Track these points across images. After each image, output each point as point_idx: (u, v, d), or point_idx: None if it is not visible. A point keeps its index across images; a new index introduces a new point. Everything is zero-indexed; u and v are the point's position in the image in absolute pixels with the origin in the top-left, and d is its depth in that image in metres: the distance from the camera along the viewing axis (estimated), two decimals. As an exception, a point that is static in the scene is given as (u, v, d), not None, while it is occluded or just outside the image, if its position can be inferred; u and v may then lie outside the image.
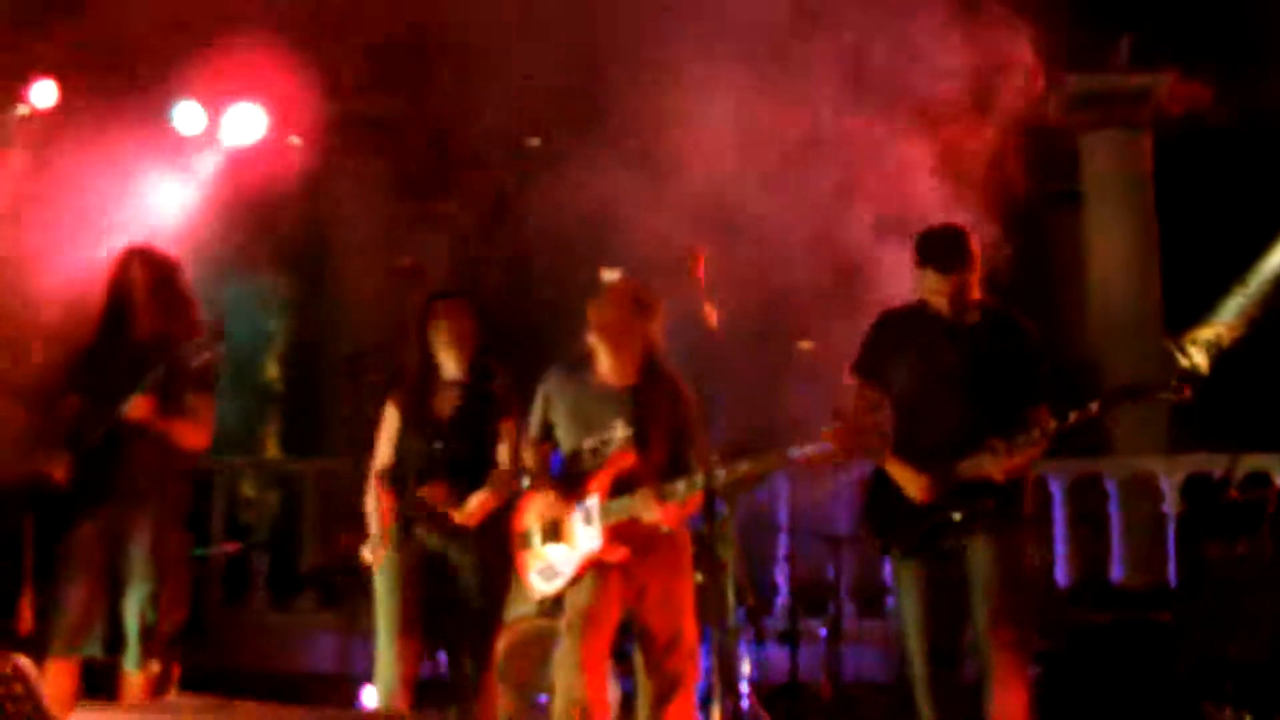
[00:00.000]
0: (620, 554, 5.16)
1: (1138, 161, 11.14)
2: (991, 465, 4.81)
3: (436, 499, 5.32)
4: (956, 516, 4.87)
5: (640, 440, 5.19)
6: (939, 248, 5.02)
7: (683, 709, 5.25)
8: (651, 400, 5.25)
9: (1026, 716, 4.82)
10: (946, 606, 4.94)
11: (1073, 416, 4.78)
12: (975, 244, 5.05)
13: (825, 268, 6.50)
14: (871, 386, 5.18)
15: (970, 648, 4.96)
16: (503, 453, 5.45)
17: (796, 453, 4.93)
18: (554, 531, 5.30)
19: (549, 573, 5.31)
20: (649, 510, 5.09)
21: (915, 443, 5.00)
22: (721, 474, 4.99)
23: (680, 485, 5.08)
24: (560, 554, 5.27)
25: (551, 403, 5.43)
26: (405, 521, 5.35)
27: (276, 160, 8.44)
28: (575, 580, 5.24)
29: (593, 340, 5.32)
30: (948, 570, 4.95)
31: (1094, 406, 4.77)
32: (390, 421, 5.56)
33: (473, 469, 5.40)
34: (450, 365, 5.50)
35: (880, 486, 5.12)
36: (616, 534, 5.17)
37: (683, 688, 5.25)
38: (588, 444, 5.29)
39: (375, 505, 5.48)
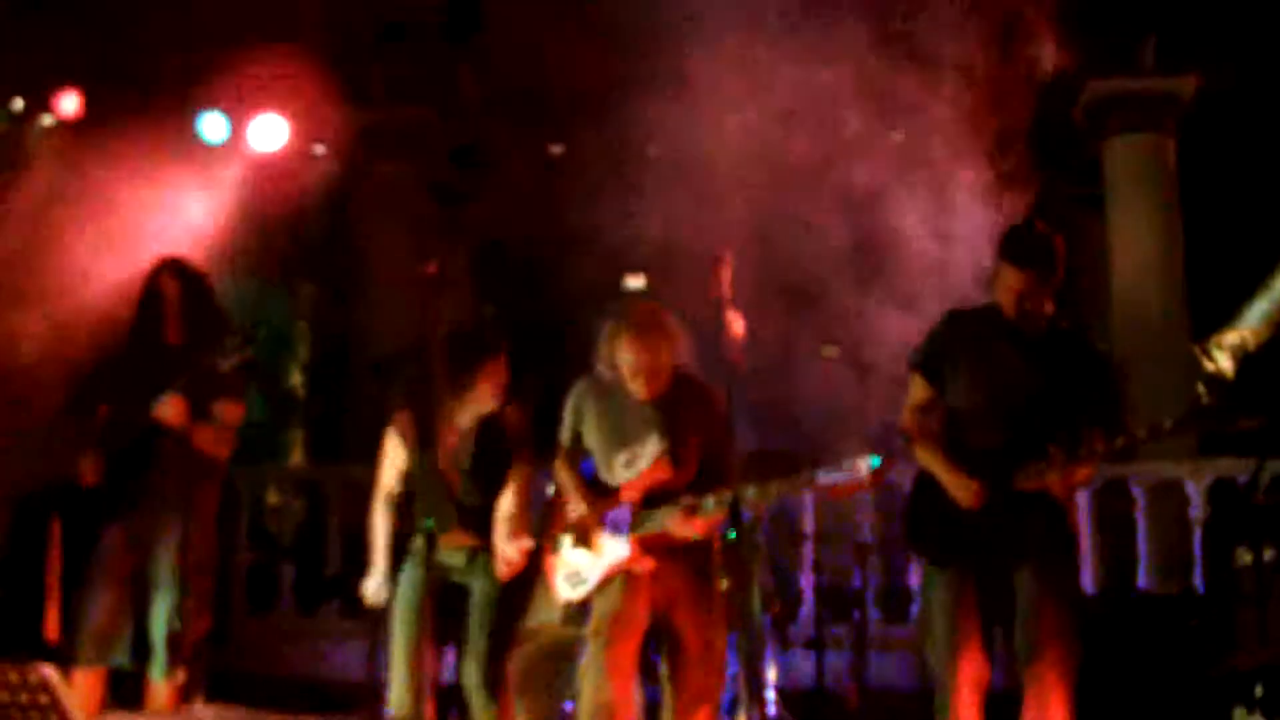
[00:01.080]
0: (648, 564, 5.15)
1: (1162, 165, 11.08)
2: (1051, 476, 4.68)
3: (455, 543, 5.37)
4: (1002, 524, 4.73)
5: (673, 454, 5.18)
6: (1023, 245, 4.82)
7: (709, 717, 5.24)
8: (683, 414, 5.24)
9: None
10: (981, 622, 4.82)
11: (1142, 434, 4.63)
12: (1061, 249, 4.82)
13: (850, 271, 6.49)
14: (929, 384, 5.03)
15: (1001, 659, 4.88)
16: (508, 500, 5.44)
17: (825, 478, 4.86)
18: (583, 539, 5.30)
19: (575, 579, 5.31)
20: (680, 526, 5.08)
21: (967, 448, 4.87)
22: (751, 492, 4.98)
23: (710, 501, 5.06)
24: (588, 561, 5.27)
25: (582, 414, 5.43)
26: (427, 542, 5.32)
27: (301, 168, 8.48)
28: (601, 587, 5.24)
29: (618, 367, 5.30)
30: (986, 586, 4.83)
31: (1166, 425, 4.65)
32: (398, 451, 5.53)
33: (486, 512, 5.44)
34: (475, 409, 5.49)
35: (925, 489, 4.99)
36: (645, 544, 5.16)
37: (709, 698, 5.23)
38: (620, 457, 5.28)
39: (381, 530, 5.48)
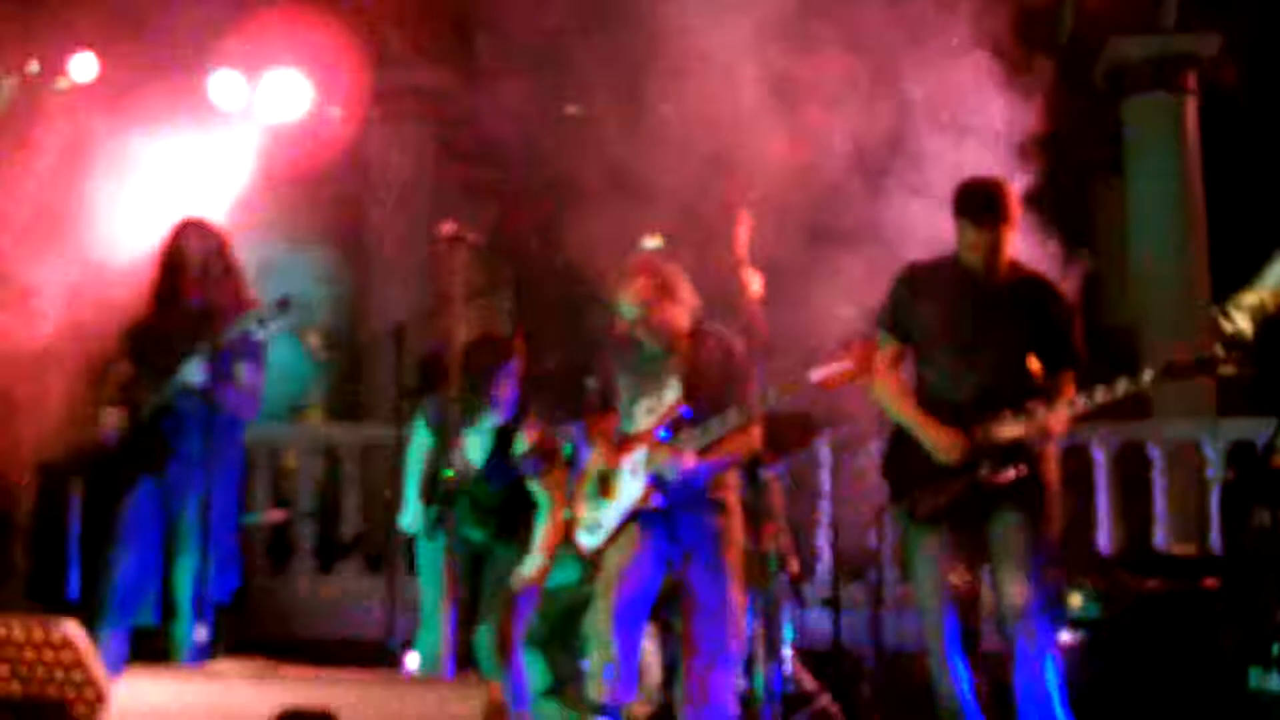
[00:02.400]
0: (656, 499, 5.19)
1: (1183, 125, 11.01)
2: (1030, 429, 4.69)
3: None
4: (984, 472, 4.72)
5: (691, 397, 5.21)
6: (976, 200, 4.83)
7: (724, 677, 5.26)
8: (701, 360, 5.28)
9: (1055, 687, 4.72)
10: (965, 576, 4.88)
11: (1122, 387, 4.63)
12: (1013, 199, 4.85)
13: (865, 232, 6.47)
14: (896, 340, 5.05)
15: (995, 618, 4.89)
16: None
17: (816, 374, 4.90)
18: (603, 487, 5.34)
19: (594, 527, 5.35)
20: (668, 466, 5.12)
21: (938, 402, 4.89)
22: (751, 408, 4.99)
23: (713, 423, 5.09)
24: (606, 508, 5.31)
25: (611, 366, 5.48)
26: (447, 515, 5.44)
27: (319, 129, 8.47)
28: (615, 536, 5.28)
29: (626, 314, 5.34)
30: (964, 540, 4.85)
31: (1146, 378, 4.62)
32: (421, 435, 5.82)
33: (500, 512, 5.72)
34: (492, 415, 5.73)
35: (899, 445, 5.02)
36: (661, 486, 5.20)
37: (725, 654, 5.26)
38: (643, 405, 5.33)
39: (414, 471, 5.77)
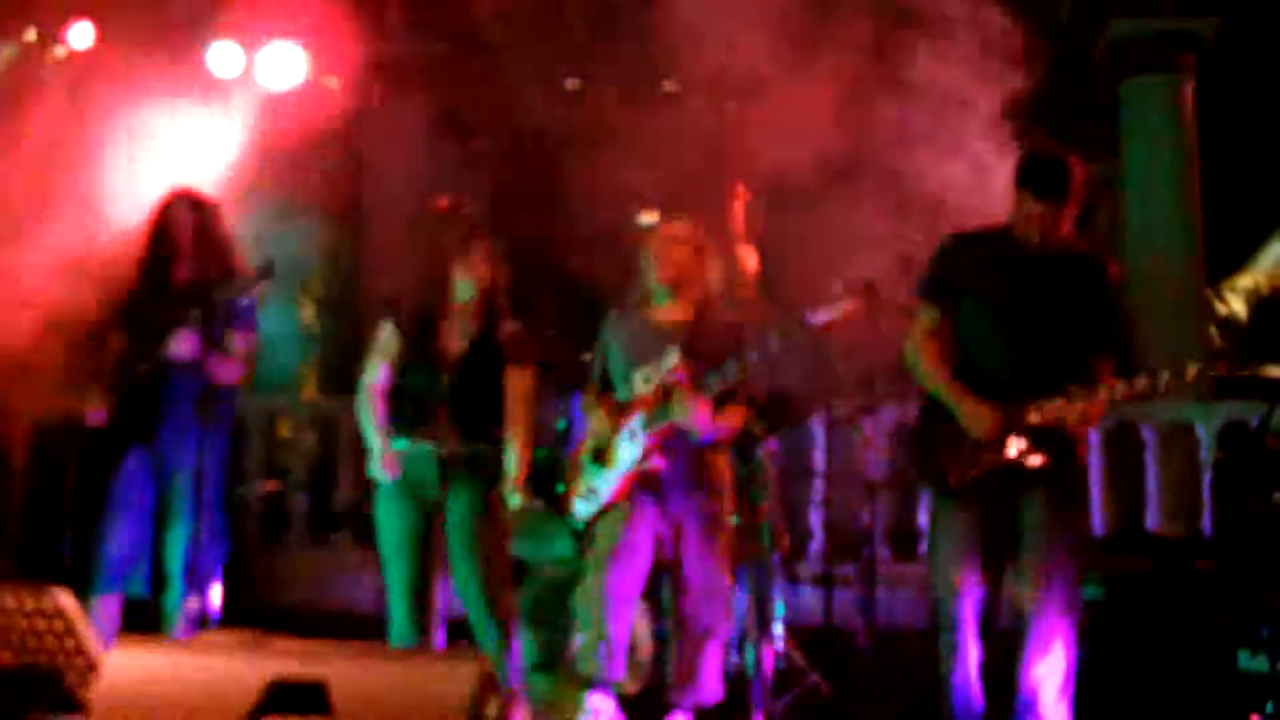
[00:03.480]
0: (656, 463, 5.18)
1: (1181, 106, 10.99)
2: (1070, 413, 4.59)
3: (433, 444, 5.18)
4: (1012, 453, 4.64)
5: (691, 369, 5.20)
6: (1043, 171, 4.69)
7: (713, 654, 5.27)
8: (707, 334, 5.28)
9: (1068, 679, 4.68)
10: (987, 554, 4.75)
11: (1165, 381, 4.53)
12: (1079, 175, 4.71)
13: (864, 211, 6.46)
14: (939, 310, 4.92)
15: (1012, 599, 4.86)
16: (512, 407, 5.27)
17: (817, 315, 4.86)
18: (601, 456, 5.34)
19: (590, 494, 5.35)
20: (689, 411, 5.09)
21: (977, 374, 4.78)
22: (753, 355, 4.97)
23: (713, 377, 5.08)
24: (602, 474, 5.31)
25: (608, 346, 5.47)
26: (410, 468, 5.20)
27: (314, 101, 8.43)
28: (607, 511, 5.28)
29: (653, 280, 5.33)
30: (994, 518, 4.75)
31: (1191, 372, 4.55)
32: (390, 343, 5.32)
33: (478, 409, 5.21)
34: (467, 301, 5.30)
35: (932, 418, 4.89)
36: (657, 441, 5.20)
37: (714, 633, 5.27)
38: (640, 373, 5.32)
39: (368, 419, 5.28)
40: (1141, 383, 4.57)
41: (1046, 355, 4.72)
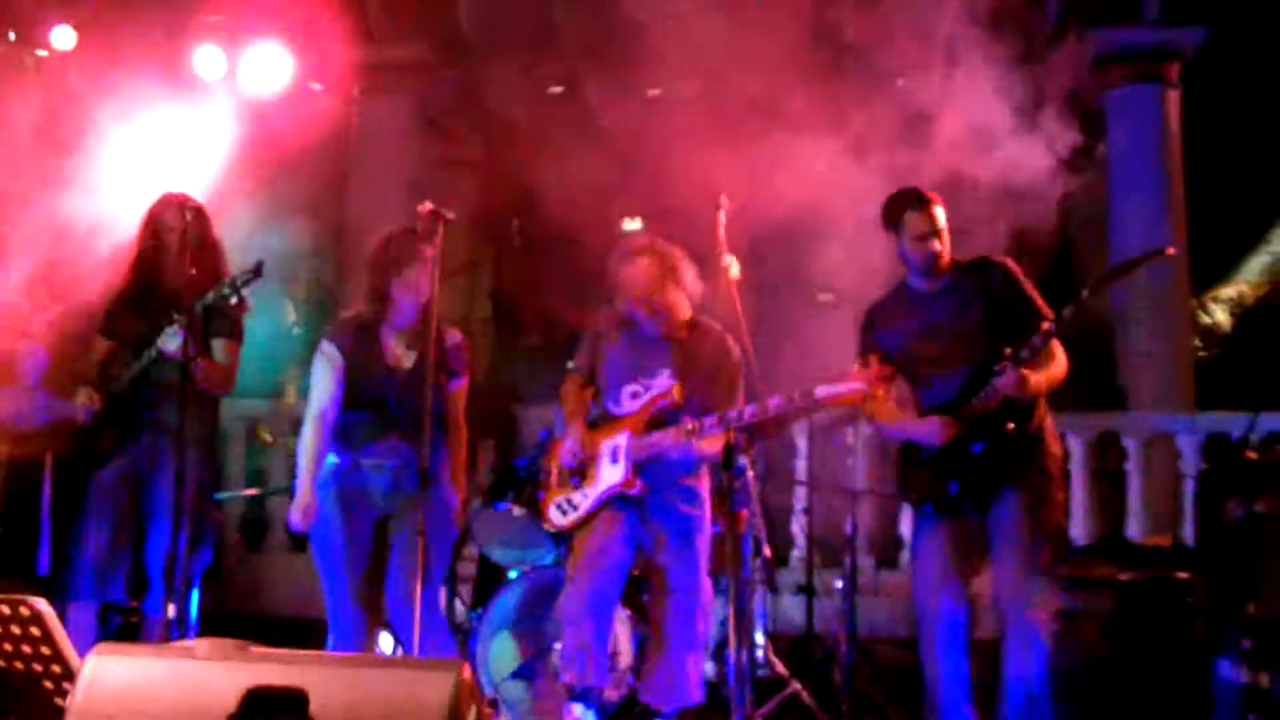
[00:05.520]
0: (638, 487, 5.18)
1: (1165, 117, 11.00)
2: (1005, 382, 4.79)
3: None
4: (975, 403, 4.86)
5: (682, 389, 5.20)
6: (904, 195, 5.09)
7: (692, 662, 5.27)
8: (697, 352, 5.27)
9: (1046, 677, 4.78)
10: (968, 567, 4.93)
11: (1067, 310, 4.77)
12: (912, 198, 5.09)
13: (848, 219, 6.47)
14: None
15: (990, 605, 4.93)
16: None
17: (823, 391, 4.88)
18: (580, 469, 5.33)
19: (567, 506, 5.34)
20: (677, 445, 5.11)
21: (932, 410, 5.02)
22: (750, 411, 4.99)
23: (708, 420, 5.08)
24: (582, 490, 5.30)
25: (600, 343, 5.44)
26: (355, 481, 5.20)
27: (299, 105, 8.42)
28: (588, 518, 5.27)
29: (622, 305, 5.31)
30: (970, 525, 4.94)
31: (1084, 293, 4.78)
32: (327, 372, 5.27)
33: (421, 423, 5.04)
34: (407, 312, 5.28)
35: (909, 446, 5.13)
36: (640, 469, 5.19)
37: (694, 640, 5.27)
38: (629, 389, 5.31)
39: (307, 452, 5.19)
40: (1045, 324, 4.80)
41: (980, 368, 4.91)
